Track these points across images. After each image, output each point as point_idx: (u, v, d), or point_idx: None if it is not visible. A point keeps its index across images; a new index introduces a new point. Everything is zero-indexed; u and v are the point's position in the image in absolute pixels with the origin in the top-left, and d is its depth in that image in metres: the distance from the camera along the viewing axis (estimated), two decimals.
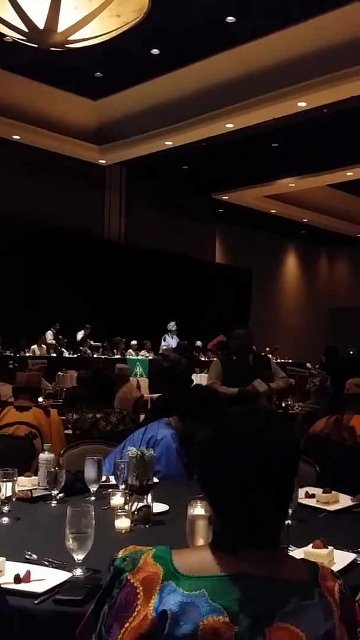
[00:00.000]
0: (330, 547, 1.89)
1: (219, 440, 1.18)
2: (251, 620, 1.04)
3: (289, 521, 2.26)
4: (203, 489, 1.19)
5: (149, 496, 2.28)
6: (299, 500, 2.26)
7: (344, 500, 2.59)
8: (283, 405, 7.38)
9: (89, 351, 12.18)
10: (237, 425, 1.19)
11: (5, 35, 7.60)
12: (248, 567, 1.10)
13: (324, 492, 2.56)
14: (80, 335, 12.42)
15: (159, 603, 1.05)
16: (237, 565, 1.10)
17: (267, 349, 15.63)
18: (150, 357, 11.95)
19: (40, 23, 6.71)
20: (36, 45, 7.15)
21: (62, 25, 6.77)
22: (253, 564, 1.10)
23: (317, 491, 2.61)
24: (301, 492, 2.46)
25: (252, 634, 1.04)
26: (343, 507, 2.51)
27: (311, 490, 2.65)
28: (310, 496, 2.58)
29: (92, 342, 12.36)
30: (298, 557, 1.23)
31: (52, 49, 7.22)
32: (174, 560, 1.10)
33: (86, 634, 1.15)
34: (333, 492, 2.57)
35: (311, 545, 1.89)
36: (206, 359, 13.22)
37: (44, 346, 11.72)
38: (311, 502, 2.53)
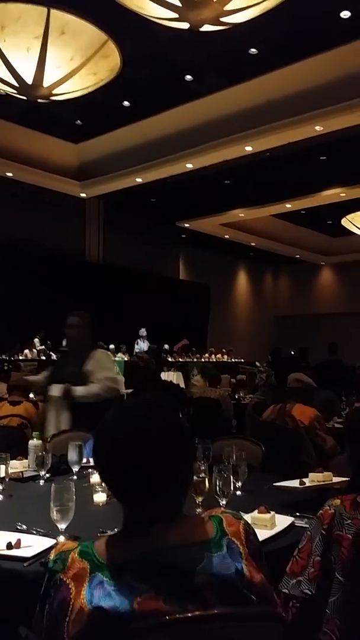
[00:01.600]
0: (272, 512, 1.91)
1: (103, 431, 1.15)
2: (173, 586, 1.02)
3: (239, 492, 2.28)
4: (99, 476, 1.16)
5: None
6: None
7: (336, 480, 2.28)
8: (236, 396, 7.40)
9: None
10: (118, 418, 1.15)
11: None
12: (160, 541, 1.07)
13: (316, 472, 2.32)
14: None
15: (90, 595, 1.01)
16: (150, 543, 1.07)
17: (223, 350, 15.72)
18: (126, 359, 11.88)
19: (29, 79, 6.69)
20: (25, 97, 7.12)
21: (47, 81, 6.76)
22: (163, 536, 1.08)
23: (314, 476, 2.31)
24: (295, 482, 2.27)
25: (177, 596, 1.02)
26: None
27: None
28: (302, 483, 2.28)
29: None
30: (211, 514, 1.19)
31: (39, 100, 7.20)
32: (96, 553, 1.07)
33: (39, 630, 1.10)
34: (326, 472, 2.30)
35: (256, 511, 1.90)
36: (172, 360, 13.22)
37: (34, 350, 11.56)
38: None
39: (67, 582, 1.04)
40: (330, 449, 3.57)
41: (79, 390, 3.40)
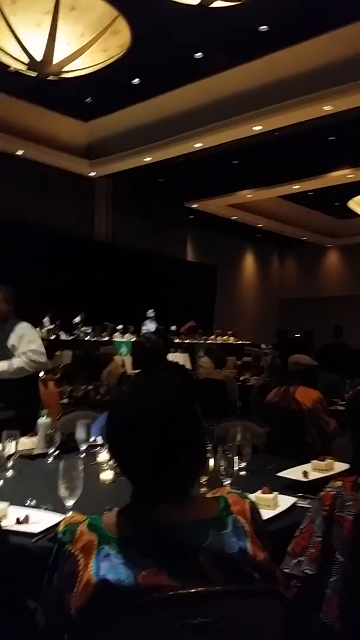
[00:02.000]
0: (275, 492, 1.93)
1: (115, 409, 1.17)
2: (178, 562, 1.04)
3: (243, 472, 2.31)
4: (111, 456, 1.17)
5: None
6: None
7: (338, 467, 2.29)
8: (241, 378, 7.42)
9: (82, 334, 12.09)
10: (129, 396, 1.17)
11: (9, 66, 7.47)
12: (167, 518, 1.09)
13: (318, 460, 2.32)
14: (77, 319, 12.31)
15: (97, 567, 1.03)
16: (158, 519, 1.09)
17: (229, 331, 15.71)
18: (133, 339, 11.90)
19: (39, 56, 6.61)
20: (35, 74, 7.03)
21: (57, 57, 6.67)
22: (171, 514, 1.10)
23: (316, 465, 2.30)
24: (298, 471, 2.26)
25: (181, 572, 1.04)
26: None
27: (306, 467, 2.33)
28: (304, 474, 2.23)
29: (83, 329, 12.25)
30: (216, 494, 1.20)
31: (49, 77, 7.11)
32: (104, 526, 1.09)
33: (46, 602, 1.13)
34: (328, 459, 2.30)
35: (260, 491, 1.92)
36: (179, 341, 13.23)
37: (44, 330, 11.60)
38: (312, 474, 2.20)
39: (76, 553, 1.06)
40: (333, 431, 3.58)
41: (1, 366, 3.33)
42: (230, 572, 1.07)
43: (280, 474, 2.17)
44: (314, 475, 2.16)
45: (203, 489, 1.94)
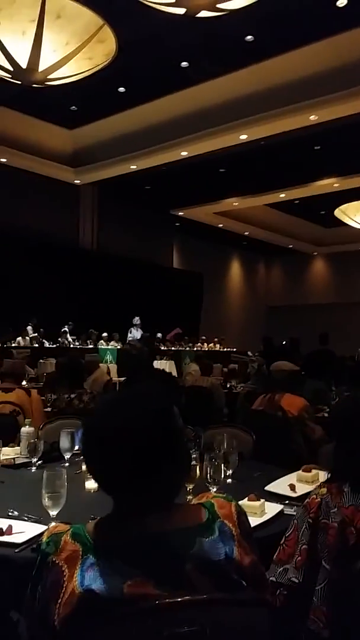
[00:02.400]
0: (262, 500, 1.92)
1: (91, 421, 1.15)
2: (164, 570, 1.03)
3: (230, 480, 2.30)
4: (88, 470, 1.15)
5: None
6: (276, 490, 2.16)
7: (323, 477, 2.15)
8: (228, 385, 7.43)
9: (66, 342, 12.04)
10: (106, 407, 1.16)
11: None
12: (152, 526, 1.07)
13: (303, 471, 2.29)
14: (65, 328, 12.23)
15: (82, 577, 1.01)
16: (143, 528, 1.07)
17: (215, 339, 15.74)
18: (119, 347, 11.88)
19: (24, 63, 6.61)
20: (20, 82, 7.02)
21: (43, 65, 6.67)
22: (156, 523, 1.08)
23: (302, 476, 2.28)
24: (285, 484, 2.25)
25: (167, 581, 1.02)
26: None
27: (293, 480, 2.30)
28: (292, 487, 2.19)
29: (69, 338, 12.21)
30: (199, 503, 1.19)
31: (34, 85, 7.11)
32: (88, 536, 1.07)
33: (29, 613, 1.09)
34: (313, 470, 2.28)
35: (246, 498, 1.91)
36: (165, 348, 13.22)
37: (27, 338, 11.52)
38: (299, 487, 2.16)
39: (60, 564, 1.04)
40: (319, 438, 3.58)
41: None
42: (217, 580, 1.06)
43: (267, 488, 2.14)
44: (301, 489, 2.15)
45: (189, 497, 1.93)
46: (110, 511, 1.14)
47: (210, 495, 1.22)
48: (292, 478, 2.27)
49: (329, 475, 1.54)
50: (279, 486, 2.19)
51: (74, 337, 12.29)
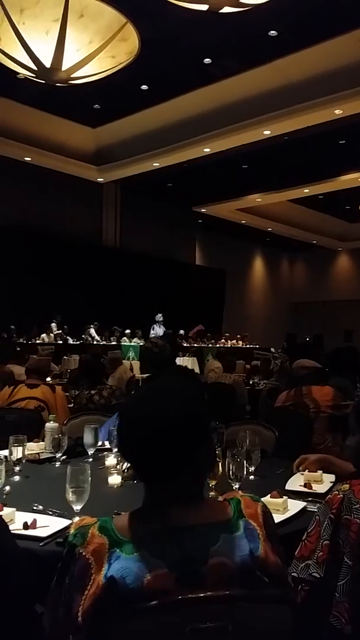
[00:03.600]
0: (284, 497, 1.91)
1: (126, 413, 1.17)
2: (187, 564, 1.03)
3: (252, 476, 2.30)
4: (124, 458, 1.17)
5: None
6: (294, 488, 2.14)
7: (327, 479, 2.24)
8: (250, 382, 7.40)
9: (89, 338, 12.14)
10: (139, 402, 1.17)
11: (17, 73, 7.52)
12: (179, 520, 1.09)
13: (309, 471, 2.26)
14: (92, 330, 12.33)
15: (108, 569, 1.03)
16: (169, 521, 1.09)
17: (238, 336, 15.70)
18: (142, 344, 11.94)
19: (47, 62, 6.66)
20: (44, 81, 7.09)
21: (66, 64, 6.72)
22: (182, 516, 1.09)
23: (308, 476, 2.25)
24: (297, 481, 2.24)
25: (190, 575, 1.03)
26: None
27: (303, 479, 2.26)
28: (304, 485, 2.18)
29: (93, 333, 12.29)
30: (227, 497, 1.20)
31: (57, 84, 7.16)
32: (115, 529, 1.09)
33: (54, 604, 1.11)
34: (318, 471, 2.26)
35: (269, 495, 1.90)
36: (187, 345, 13.24)
37: (52, 335, 11.66)
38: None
39: (87, 556, 1.06)
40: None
41: None
42: (239, 577, 1.07)
43: (288, 488, 2.12)
44: (317, 487, 2.14)
45: (212, 493, 1.93)
46: (133, 506, 1.16)
47: (238, 493, 1.22)
48: (300, 478, 2.25)
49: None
50: (294, 485, 2.18)
51: (92, 333, 12.38)
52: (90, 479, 1.76)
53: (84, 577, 1.04)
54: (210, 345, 13.95)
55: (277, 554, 1.12)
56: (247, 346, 14.90)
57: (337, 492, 1.45)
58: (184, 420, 1.12)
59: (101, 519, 1.12)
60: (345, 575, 1.35)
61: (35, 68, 6.76)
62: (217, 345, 14.07)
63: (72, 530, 1.12)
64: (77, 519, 1.71)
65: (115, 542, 1.06)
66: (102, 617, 1.01)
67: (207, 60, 9.05)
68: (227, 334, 15.62)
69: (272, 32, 8.20)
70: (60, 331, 11.71)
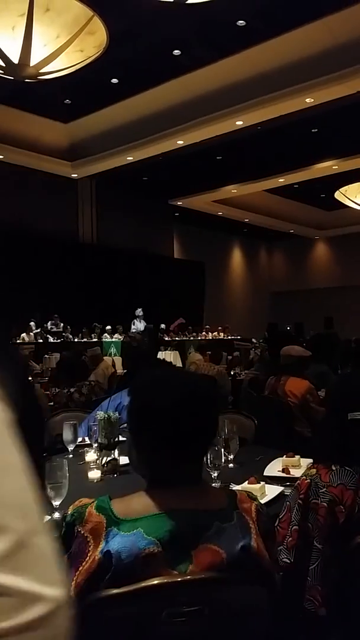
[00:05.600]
0: (262, 482, 1.95)
1: (138, 401, 1.20)
2: (179, 547, 1.07)
3: (231, 464, 2.33)
4: (132, 436, 1.20)
5: (116, 451, 2.31)
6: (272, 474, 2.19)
7: (305, 464, 2.26)
8: (232, 373, 7.46)
9: (70, 336, 12.08)
10: (152, 388, 1.20)
11: None
12: (176, 503, 1.12)
13: (287, 457, 2.30)
14: (49, 324, 12.03)
15: (105, 546, 1.06)
16: (166, 503, 1.12)
17: (219, 327, 15.76)
18: (122, 339, 11.91)
19: (15, 58, 6.60)
20: (12, 77, 7.02)
21: (34, 59, 6.67)
22: (180, 499, 1.13)
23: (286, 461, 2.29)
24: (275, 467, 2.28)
25: (180, 557, 1.07)
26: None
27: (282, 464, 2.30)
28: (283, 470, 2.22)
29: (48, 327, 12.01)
30: (227, 488, 1.25)
31: (26, 80, 7.10)
32: (113, 509, 1.11)
33: None
34: (296, 456, 2.31)
35: (247, 481, 1.94)
36: (169, 339, 13.26)
37: (31, 334, 11.58)
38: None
39: (85, 534, 1.09)
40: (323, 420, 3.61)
41: None
42: (229, 566, 1.09)
43: (266, 474, 2.16)
44: (295, 472, 2.18)
45: (214, 484, 1.96)
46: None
47: (236, 489, 1.27)
48: (278, 463, 2.29)
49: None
50: (271, 471, 2.22)
51: (59, 329, 12.11)
52: (67, 474, 1.78)
53: (82, 554, 1.07)
54: (191, 338, 14.00)
55: (268, 552, 1.16)
56: (229, 337, 14.97)
57: (304, 477, 1.49)
58: (195, 404, 1.16)
59: (99, 499, 1.15)
60: (315, 559, 1.39)
61: (2, 64, 6.70)
62: (199, 338, 14.11)
63: (70, 511, 1.16)
64: (56, 514, 1.73)
65: (113, 521, 1.09)
66: (90, 593, 1.04)
67: (176, 52, 9.03)
68: (208, 326, 15.68)
69: (240, 21, 8.21)
70: (39, 329, 11.64)
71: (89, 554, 1.07)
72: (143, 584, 1.04)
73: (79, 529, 1.10)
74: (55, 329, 11.72)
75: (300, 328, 15.88)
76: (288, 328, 14.22)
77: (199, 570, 1.07)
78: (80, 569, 1.06)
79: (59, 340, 11.65)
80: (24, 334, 11.32)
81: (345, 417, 1.48)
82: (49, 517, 1.71)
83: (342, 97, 9.24)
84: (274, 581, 1.17)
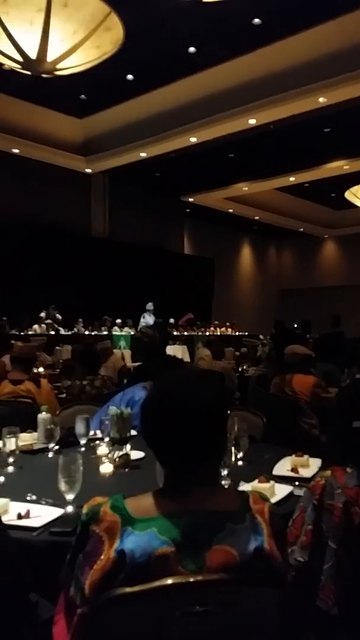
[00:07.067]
0: (272, 482, 1.94)
1: (153, 399, 1.19)
2: (193, 547, 1.06)
3: (240, 462, 2.32)
4: (146, 441, 1.19)
5: (128, 446, 2.31)
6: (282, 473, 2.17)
7: (313, 463, 2.28)
8: (239, 369, 7.43)
9: (81, 328, 12.11)
10: (167, 387, 1.20)
11: (3, 64, 7.43)
12: (191, 504, 1.11)
13: (296, 456, 2.29)
14: (43, 314, 11.89)
15: (120, 545, 1.05)
16: (181, 504, 1.11)
17: (227, 323, 15.73)
18: (132, 333, 11.93)
19: (33, 54, 6.58)
20: (29, 72, 7.00)
21: (51, 55, 6.65)
22: (195, 500, 1.12)
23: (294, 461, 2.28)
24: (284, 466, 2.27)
25: (193, 557, 1.05)
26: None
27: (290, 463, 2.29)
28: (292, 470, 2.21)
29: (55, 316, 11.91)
30: (239, 489, 1.24)
31: (43, 75, 7.08)
32: (128, 508, 1.11)
33: (67, 580, 1.13)
34: (305, 455, 2.30)
35: (257, 480, 1.93)
36: (177, 333, 13.26)
37: (44, 325, 11.61)
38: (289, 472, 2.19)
39: (100, 534, 1.08)
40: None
41: None
42: (242, 567, 1.08)
43: (275, 473, 2.15)
44: (304, 472, 2.16)
45: (225, 482, 1.95)
46: (125, 493, 1.17)
47: (249, 490, 1.25)
48: (287, 463, 2.28)
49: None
50: (280, 470, 2.21)
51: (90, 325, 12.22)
52: (81, 468, 1.77)
53: (96, 553, 1.06)
54: (200, 333, 13.98)
55: (282, 553, 1.14)
56: (237, 334, 14.94)
57: (319, 479, 1.48)
58: (212, 407, 1.15)
59: (113, 498, 1.14)
60: (329, 558, 1.38)
61: (20, 59, 6.69)
62: (207, 333, 14.09)
63: (84, 510, 1.15)
64: (70, 508, 1.73)
65: (128, 521, 1.08)
66: (107, 590, 1.03)
67: (191, 50, 8.97)
68: (216, 322, 15.66)
69: (256, 20, 8.14)
70: (51, 321, 11.67)
71: (104, 553, 1.06)
72: (156, 584, 1.03)
73: (94, 528, 1.09)
74: (50, 321, 11.55)
75: (307, 326, 15.82)
76: (295, 326, 14.17)
77: (212, 571, 1.06)
78: (95, 567, 1.05)
79: (70, 333, 11.68)
80: (35, 325, 11.36)
81: (350, 424, 1.48)
82: (62, 512, 1.71)
83: (355, 98, 9.14)
84: (285, 583, 1.16)
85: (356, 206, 14.53)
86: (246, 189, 14.89)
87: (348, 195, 13.96)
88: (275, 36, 8.54)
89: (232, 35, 8.49)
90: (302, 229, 19.15)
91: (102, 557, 1.05)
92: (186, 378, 1.22)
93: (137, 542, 1.05)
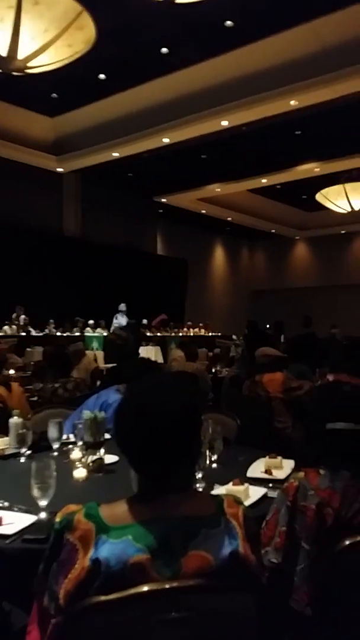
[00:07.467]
0: (246, 484, 1.95)
1: (127, 407, 1.19)
2: (168, 554, 1.06)
3: (215, 465, 2.33)
4: (119, 448, 1.18)
5: (102, 450, 2.29)
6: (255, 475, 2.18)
7: (287, 465, 2.30)
8: (213, 370, 7.45)
9: (52, 330, 11.97)
10: (140, 394, 1.19)
11: None
12: (165, 510, 1.11)
13: (269, 458, 2.31)
14: (14, 315, 11.73)
15: (94, 553, 1.05)
16: (155, 510, 1.11)
17: (200, 324, 15.77)
18: (105, 334, 11.85)
19: (3, 51, 6.48)
20: (0, 70, 6.90)
21: (22, 53, 6.56)
22: (169, 506, 1.12)
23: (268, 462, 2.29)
24: (258, 468, 2.27)
25: (169, 563, 1.06)
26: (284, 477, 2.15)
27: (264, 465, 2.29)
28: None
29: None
30: (212, 493, 1.24)
31: (14, 73, 6.98)
32: (102, 516, 1.10)
33: (41, 589, 1.12)
34: (278, 457, 2.31)
35: (231, 483, 1.93)
36: (151, 334, 13.23)
37: (14, 326, 11.43)
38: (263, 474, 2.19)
39: (74, 542, 1.07)
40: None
41: None
42: (218, 572, 1.08)
43: (249, 475, 2.16)
44: (277, 473, 2.18)
45: (199, 485, 1.95)
46: (97, 500, 1.16)
47: (223, 493, 1.26)
48: (260, 464, 2.29)
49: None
50: (255, 472, 2.22)
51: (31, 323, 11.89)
52: (55, 474, 1.75)
53: (71, 562, 1.05)
54: (173, 334, 13.98)
55: (256, 555, 1.15)
56: (210, 334, 15.00)
57: (293, 481, 1.50)
58: (186, 415, 1.15)
59: (87, 506, 1.13)
60: (303, 560, 1.40)
61: None
62: (180, 334, 14.11)
63: (58, 519, 1.13)
64: (43, 514, 1.70)
65: (102, 529, 1.07)
66: (82, 599, 1.02)
67: (164, 50, 8.97)
68: (189, 323, 15.68)
69: (228, 22, 8.18)
70: (22, 323, 11.50)
71: (78, 562, 1.05)
72: (132, 591, 1.03)
73: (68, 537, 1.08)
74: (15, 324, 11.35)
75: (279, 327, 15.95)
76: (267, 326, 14.27)
77: (188, 577, 1.06)
78: (69, 576, 1.04)
79: (41, 334, 11.53)
80: (5, 327, 11.18)
81: (324, 426, 1.51)
82: (36, 518, 1.69)
83: (326, 101, 9.27)
84: (261, 585, 1.17)
85: (327, 208, 14.74)
86: (219, 190, 14.95)
87: (319, 197, 14.15)
88: (247, 39, 8.61)
89: (205, 36, 8.52)
90: (274, 230, 19.33)
91: (77, 565, 1.04)
92: (159, 385, 1.21)
93: (112, 550, 1.04)
